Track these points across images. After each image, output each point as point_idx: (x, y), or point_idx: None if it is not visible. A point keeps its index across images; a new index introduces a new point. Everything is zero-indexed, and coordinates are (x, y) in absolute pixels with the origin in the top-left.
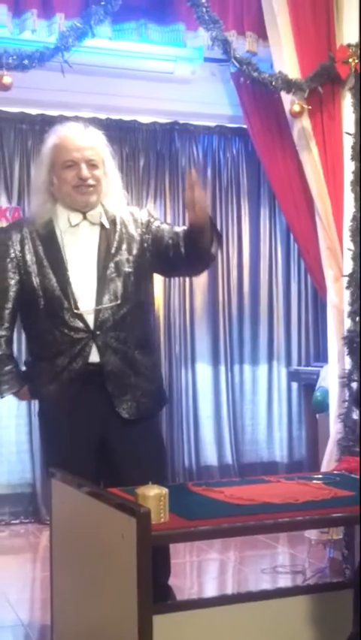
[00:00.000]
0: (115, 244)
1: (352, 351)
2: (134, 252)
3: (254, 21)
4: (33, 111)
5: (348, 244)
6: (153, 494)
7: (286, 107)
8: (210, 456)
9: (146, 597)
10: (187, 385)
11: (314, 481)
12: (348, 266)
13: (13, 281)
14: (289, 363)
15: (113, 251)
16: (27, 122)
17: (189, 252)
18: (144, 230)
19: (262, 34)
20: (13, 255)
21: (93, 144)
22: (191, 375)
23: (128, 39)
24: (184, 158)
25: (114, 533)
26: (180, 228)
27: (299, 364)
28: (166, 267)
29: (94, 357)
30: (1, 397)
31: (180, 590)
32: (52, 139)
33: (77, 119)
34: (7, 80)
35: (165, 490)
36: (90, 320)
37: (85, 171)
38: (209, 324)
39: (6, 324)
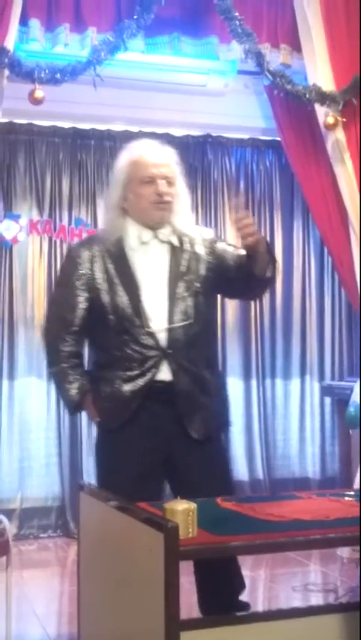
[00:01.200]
0: (184, 263)
1: None
2: (202, 271)
3: (288, 33)
4: (65, 124)
5: None
6: (181, 509)
7: (320, 119)
8: (241, 470)
9: (173, 612)
10: None
11: (346, 498)
12: None
13: (82, 298)
14: (322, 377)
15: (183, 270)
16: (59, 136)
17: (246, 276)
18: (209, 250)
19: (296, 47)
20: (82, 272)
21: (169, 161)
22: None
23: (161, 52)
24: (217, 170)
25: (142, 548)
26: (243, 251)
27: (333, 379)
28: (228, 289)
29: (164, 375)
30: (71, 412)
31: None
32: (128, 155)
33: (125, 133)
34: (39, 94)
35: (193, 505)
36: (162, 338)
37: (163, 187)
38: (241, 338)
39: (72, 341)
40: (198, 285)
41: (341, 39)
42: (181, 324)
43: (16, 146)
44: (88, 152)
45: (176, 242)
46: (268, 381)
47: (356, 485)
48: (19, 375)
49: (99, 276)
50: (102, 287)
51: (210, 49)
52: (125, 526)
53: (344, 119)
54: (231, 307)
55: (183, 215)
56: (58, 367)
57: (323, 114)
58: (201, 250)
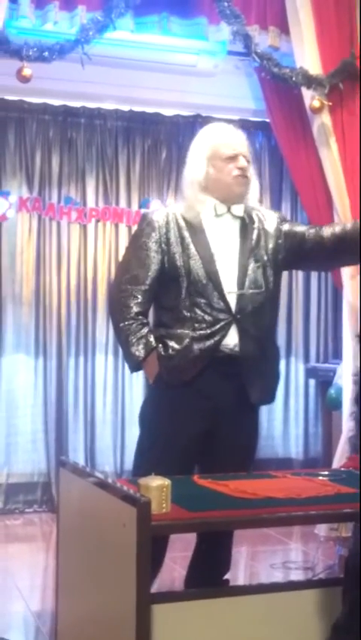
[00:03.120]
0: (254, 237)
1: None
2: (270, 246)
3: (277, 16)
4: (56, 102)
5: None
6: (155, 485)
7: (307, 102)
8: None
9: (144, 586)
10: None
11: (320, 478)
12: None
13: (155, 259)
14: (307, 359)
15: (253, 243)
16: (49, 113)
17: (339, 251)
18: (277, 227)
19: (285, 29)
20: (157, 235)
21: (246, 142)
22: None
23: (150, 32)
24: None
25: (117, 523)
26: (328, 227)
27: (317, 361)
28: (304, 264)
29: (232, 339)
30: (132, 370)
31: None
32: (208, 134)
33: (116, 112)
34: (27, 71)
35: (167, 482)
36: (233, 304)
37: (245, 162)
38: None
39: (142, 299)
40: (265, 258)
41: (329, 23)
42: (252, 291)
43: (6, 122)
44: (78, 130)
45: (247, 218)
46: None
47: (335, 465)
48: (6, 352)
49: (174, 240)
50: (176, 250)
51: (199, 29)
52: (103, 501)
53: (330, 103)
54: None
55: (253, 195)
56: (125, 324)
57: (310, 97)
58: (269, 227)
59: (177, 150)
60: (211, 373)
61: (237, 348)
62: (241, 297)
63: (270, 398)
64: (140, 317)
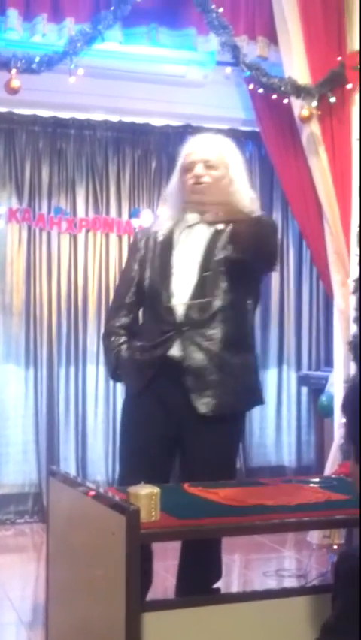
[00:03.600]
0: (220, 244)
1: (357, 356)
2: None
3: (266, 26)
4: (45, 113)
5: (356, 249)
6: (144, 493)
7: (296, 112)
8: None
9: (134, 594)
10: None
11: (311, 485)
12: (355, 271)
13: (134, 273)
14: (299, 367)
15: (215, 251)
16: (39, 124)
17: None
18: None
19: (273, 39)
20: (137, 252)
21: (213, 147)
22: None
23: (139, 43)
24: None
25: (106, 531)
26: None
27: (310, 369)
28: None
29: (175, 351)
30: (112, 379)
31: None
32: (183, 147)
33: (106, 122)
34: (15, 83)
35: (156, 490)
36: (180, 315)
37: (200, 169)
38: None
39: (124, 312)
40: (217, 266)
41: (317, 33)
42: (197, 301)
43: None
44: (68, 141)
45: (222, 224)
46: None
47: (327, 473)
48: None
49: (147, 254)
50: (147, 265)
51: (188, 40)
52: (92, 510)
53: (320, 112)
54: None
55: (238, 200)
56: (105, 338)
57: (299, 107)
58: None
59: (167, 160)
60: (165, 382)
61: (182, 359)
62: (188, 308)
63: (229, 410)
64: (120, 330)
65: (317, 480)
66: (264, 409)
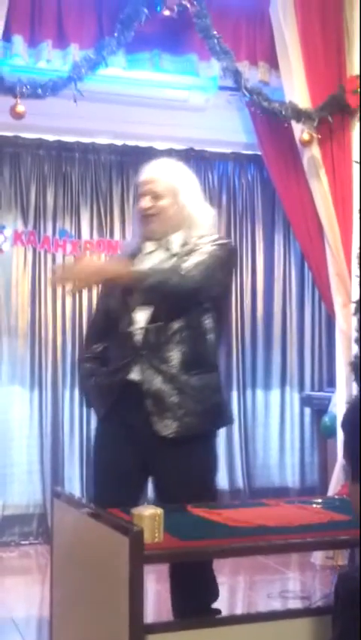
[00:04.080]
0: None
1: (357, 377)
2: None
3: (267, 51)
4: (50, 137)
5: (357, 271)
6: (147, 514)
7: (297, 135)
8: (221, 480)
9: (137, 616)
10: None
11: (314, 505)
12: (356, 292)
13: (102, 301)
14: (302, 388)
15: None
16: (44, 148)
17: None
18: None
19: (274, 65)
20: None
21: (156, 177)
22: None
23: (142, 68)
24: (199, 183)
25: (109, 552)
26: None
27: (312, 389)
28: None
29: (135, 375)
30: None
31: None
32: None
33: (110, 146)
34: (20, 108)
35: (160, 511)
36: (138, 340)
37: (145, 202)
38: (221, 348)
39: (94, 340)
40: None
41: (317, 57)
42: (152, 325)
43: (1, 157)
44: (72, 164)
45: (176, 250)
46: (248, 392)
47: (330, 493)
48: (2, 383)
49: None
50: (110, 292)
51: (190, 65)
52: (95, 531)
53: (320, 136)
54: None
55: (191, 224)
56: (77, 367)
57: (299, 130)
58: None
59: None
60: (128, 406)
61: (142, 383)
62: (145, 332)
63: (191, 432)
64: (90, 358)
65: (320, 501)
66: (268, 430)
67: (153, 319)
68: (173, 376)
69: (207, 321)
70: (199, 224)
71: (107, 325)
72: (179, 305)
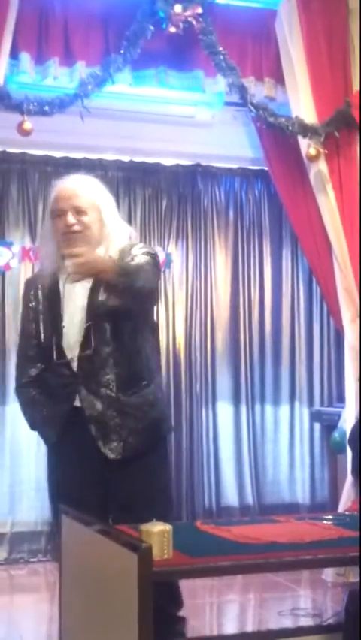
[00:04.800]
0: (102, 291)
1: None
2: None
3: (273, 67)
4: (57, 154)
5: None
6: (156, 530)
7: (303, 150)
8: (230, 496)
9: (146, 633)
10: (208, 424)
11: (324, 522)
12: None
13: (30, 327)
14: (311, 403)
15: (99, 296)
16: (51, 164)
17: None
18: None
19: (280, 80)
20: (29, 304)
21: (79, 192)
22: (212, 415)
23: (148, 85)
24: (206, 199)
25: (118, 569)
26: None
27: (322, 405)
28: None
29: (77, 402)
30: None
31: (196, 630)
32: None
33: (117, 162)
34: (27, 125)
35: (169, 527)
36: (75, 366)
37: (70, 218)
38: (230, 364)
39: (30, 365)
40: (99, 313)
41: (323, 73)
42: (84, 353)
43: (9, 174)
44: None
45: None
46: (257, 407)
47: (340, 509)
48: (10, 400)
49: (37, 307)
50: (39, 318)
51: (196, 82)
52: (104, 548)
53: (326, 151)
54: (220, 332)
55: (115, 241)
56: (16, 395)
57: (306, 145)
58: None
59: (178, 199)
60: (76, 431)
61: (85, 409)
62: (80, 360)
63: (137, 451)
64: (29, 384)
65: (330, 517)
66: (277, 446)
67: (82, 347)
68: (112, 399)
69: (139, 337)
70: (118, 241)
71: (39, 349)
72: (137, 306)
